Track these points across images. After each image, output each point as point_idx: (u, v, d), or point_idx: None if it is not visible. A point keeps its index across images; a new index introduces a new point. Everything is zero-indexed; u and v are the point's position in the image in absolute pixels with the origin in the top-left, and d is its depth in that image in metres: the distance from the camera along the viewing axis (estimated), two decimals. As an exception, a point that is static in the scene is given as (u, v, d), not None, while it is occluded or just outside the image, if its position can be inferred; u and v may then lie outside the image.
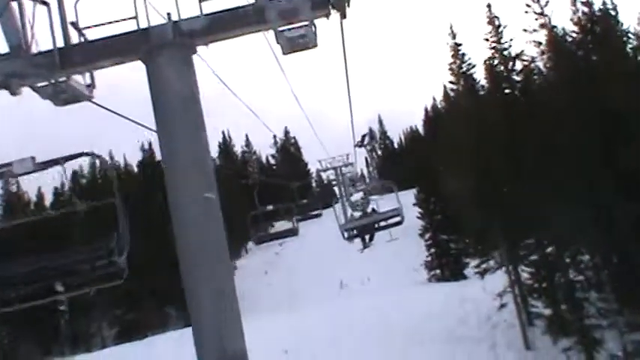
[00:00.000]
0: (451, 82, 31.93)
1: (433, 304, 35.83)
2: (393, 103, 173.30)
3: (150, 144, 66.58)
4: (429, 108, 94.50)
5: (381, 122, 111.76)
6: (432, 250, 48.82)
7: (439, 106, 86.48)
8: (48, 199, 66.21)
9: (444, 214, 48.97)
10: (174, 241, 4.69)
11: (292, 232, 19.21)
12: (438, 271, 48.23)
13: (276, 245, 58.59)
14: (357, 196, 24.82)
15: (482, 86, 30.84)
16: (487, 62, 29.20)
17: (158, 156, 67.22)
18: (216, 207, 4.80)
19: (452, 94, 33.43)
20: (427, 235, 49.44)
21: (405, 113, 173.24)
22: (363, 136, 27.21)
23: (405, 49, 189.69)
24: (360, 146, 25.98)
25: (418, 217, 51.32)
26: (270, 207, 19.72)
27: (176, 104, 4.81)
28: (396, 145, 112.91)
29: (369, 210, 20.83)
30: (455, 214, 50.55)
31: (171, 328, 52.87)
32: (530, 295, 30.30)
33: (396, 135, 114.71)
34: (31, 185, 65.02)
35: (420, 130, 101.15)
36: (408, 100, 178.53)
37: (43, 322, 45.77)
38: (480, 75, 31.57)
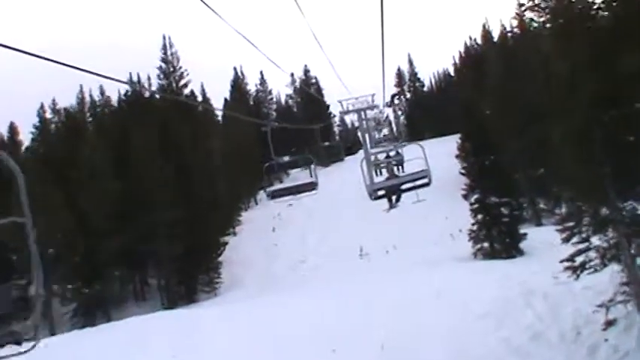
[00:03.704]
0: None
1: (482, 298, 25.55)
2: (423, 42, 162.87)
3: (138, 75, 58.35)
4: (467, 44, 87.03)
5: (411, 62, 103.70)
6: (479, 216, 38.03)
7: (475, 45, 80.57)
8: None
9: (495, 170, 38.59)
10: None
11: (311, 187, 16.94)
12: (486, 244, 37.57)
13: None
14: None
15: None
16: None
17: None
18: None
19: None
20: (473, 198, 38.59)
21: (435, 54, 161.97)
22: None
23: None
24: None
25: (462, 173, 40.84)
26: (286, 158, 19.27)
27: None
28: (426, 88, 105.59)
29: (393, 154, 20.20)
30: (509, 172, 40.54)
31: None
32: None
33: (427, 77, 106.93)
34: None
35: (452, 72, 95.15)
36: (438, 39, 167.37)
37: None
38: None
